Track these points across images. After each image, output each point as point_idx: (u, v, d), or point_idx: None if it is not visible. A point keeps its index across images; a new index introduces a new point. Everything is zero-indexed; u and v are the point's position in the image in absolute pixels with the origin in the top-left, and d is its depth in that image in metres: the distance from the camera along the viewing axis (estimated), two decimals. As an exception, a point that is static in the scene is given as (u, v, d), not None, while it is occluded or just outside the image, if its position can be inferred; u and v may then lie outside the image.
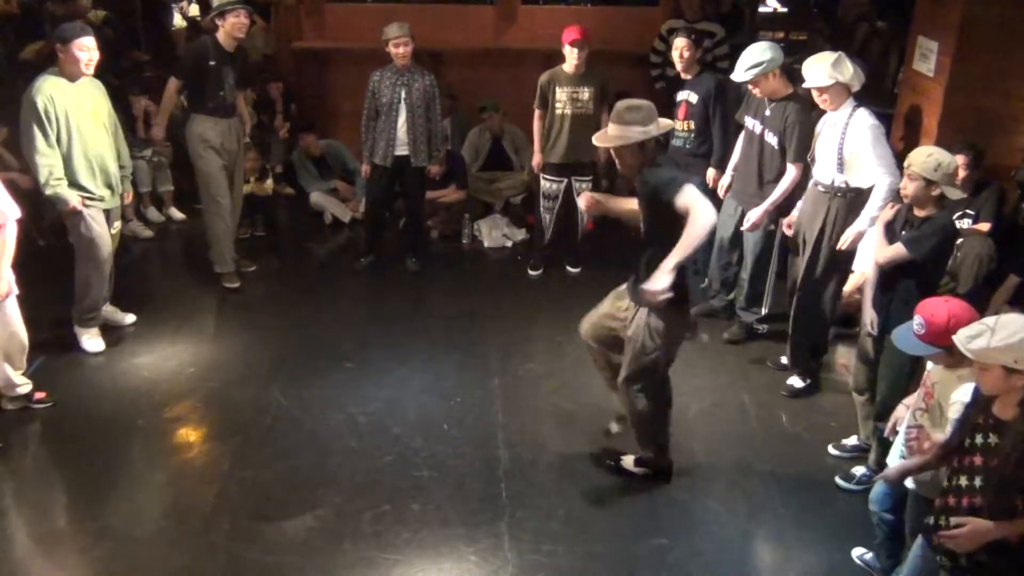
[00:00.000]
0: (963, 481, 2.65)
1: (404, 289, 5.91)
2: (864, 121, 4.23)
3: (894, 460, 3.27)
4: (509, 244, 6.59)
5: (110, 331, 5.09)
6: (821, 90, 4.26)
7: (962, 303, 3.00)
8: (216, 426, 4.38)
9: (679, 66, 5.42)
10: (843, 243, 4.31)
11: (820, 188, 4.44)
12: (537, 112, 5.76)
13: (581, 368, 4.92)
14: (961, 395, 2.83)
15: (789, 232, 4.76)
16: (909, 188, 3.63)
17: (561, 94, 5.63)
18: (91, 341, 4.91)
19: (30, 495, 3.92)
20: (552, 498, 3.90)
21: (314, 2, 7.45)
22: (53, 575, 3.52)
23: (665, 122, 3.63)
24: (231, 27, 5.26)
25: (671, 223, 3.37)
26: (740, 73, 4.63)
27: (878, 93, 6.06)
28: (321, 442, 4.26)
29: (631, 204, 3.85)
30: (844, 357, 5.05)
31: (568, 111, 5.64)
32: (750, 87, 4.75)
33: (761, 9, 7.82)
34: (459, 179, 6.68)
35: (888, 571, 3.42)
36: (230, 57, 5.36)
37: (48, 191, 4.50)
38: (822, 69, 4.21)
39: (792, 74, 4.76)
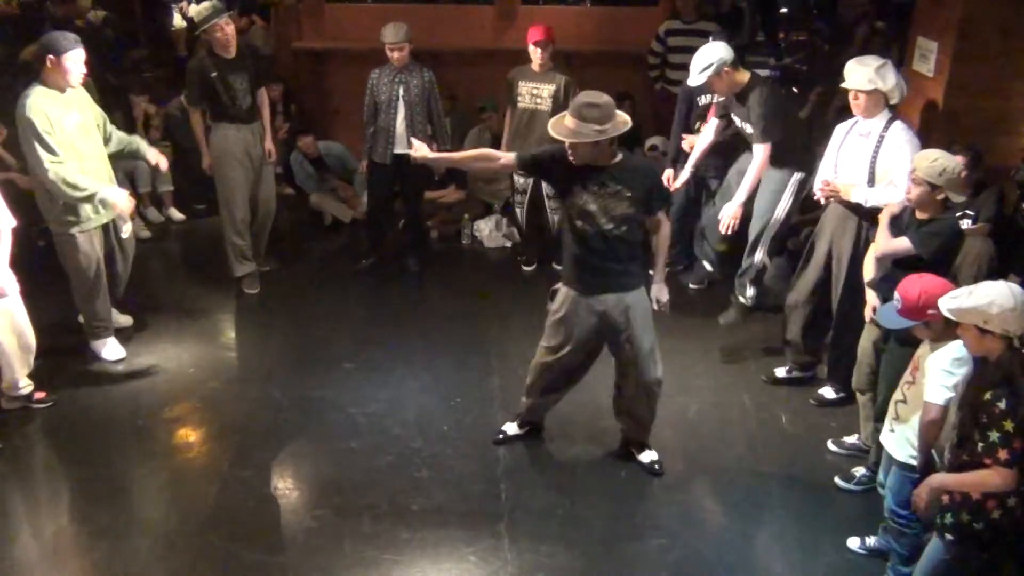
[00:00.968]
0: (953, 436, 2.88)
1: (404, 289, 5.91)
2: (902, 136, 4.09)
3: (885, 435, 3.37)
4: (509, 244, 6.58)
5: (129, 330, 5.12)
6: (858, 93, 4.15)
7: (936, 279, 3.13)
8: (216, 426, 4.38)
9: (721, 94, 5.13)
10: (819, 192, 4.28)
11: (849, 204, 4.28)
12: (507, 106, 5.82)
13: (581, 368, 4.93)
14: (935, 358, 3.06)
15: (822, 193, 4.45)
16: (914, 192, 3.62)
17: (522, 88, 5.70)
18: (108, 349, 4.86)
19: (30, 495, 3.92)
20: (552, 498, 3.90)
21: (314, 2, 7.44)
22: (53, 575, 3.52)
23: (623, 119, 3.59)
24: (218, 39, 5.22)
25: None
26: (694, 77, 4.67)
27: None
28: (321, 442, 4.26)
29: (458, 156, 4.08)
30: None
31: (528, 105, 5.70)
32: (711, 88, 4.80)
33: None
34: (459, 179, 6.68)
35: (899, 554, 3.42)
36: (231, 64, 5.32)
37: (94, 201, 4.38)
38: (864, 73, 4.10)
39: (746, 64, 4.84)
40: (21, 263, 4.22)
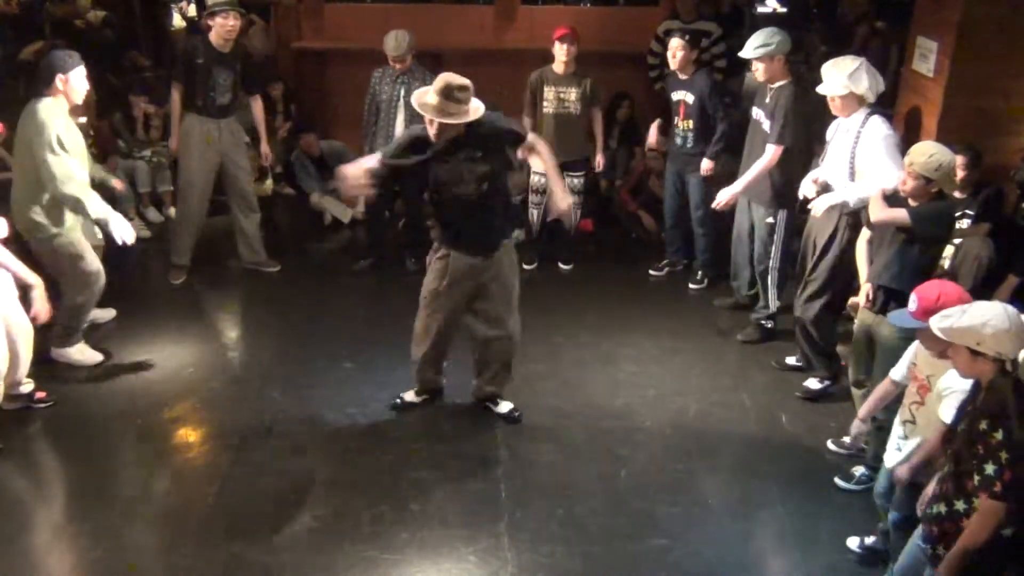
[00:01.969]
0: (946, 468, 2.77)
1: (404, 289, 5.85)
2: (878, 130, 4.18)
3: (890, 455, 3.30)
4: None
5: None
6: (833, 97, 4.25)
7: (957, 288, 3.08)
8: (216, 426, 4.37)
9: (673, 65, 5.47)
10: (817, 209, 4.31)
11: (838, 204, 4.34)
12: (526, 111, 5.82)
13: (581, 368, 4.94)
14: (953, 379, 2.91)
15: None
16: (908, 184, 3.67)
17: (549, 93, 5.70)
18: (87, 354, 4.79)
19: (30, 495, 3.92)
20: (552, 498, 3.90)
21: (314, 2, 7.45)
22: (53, 575, 3.52)
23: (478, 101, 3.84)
24: (219, 29, 5.29)
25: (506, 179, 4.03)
26: (748, 51, 4.73)
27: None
28: (321, 442, 4.26)
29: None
30: (844, 358, 5.05)
31: (554, 110, 5.70)
32: (753, 69, 4.82)
33: (760, 9, 7.81)
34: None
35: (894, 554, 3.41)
36: (222, 57, 5.36)
37: (108, 215, 4.34)
38: (838, 78, 4.19)
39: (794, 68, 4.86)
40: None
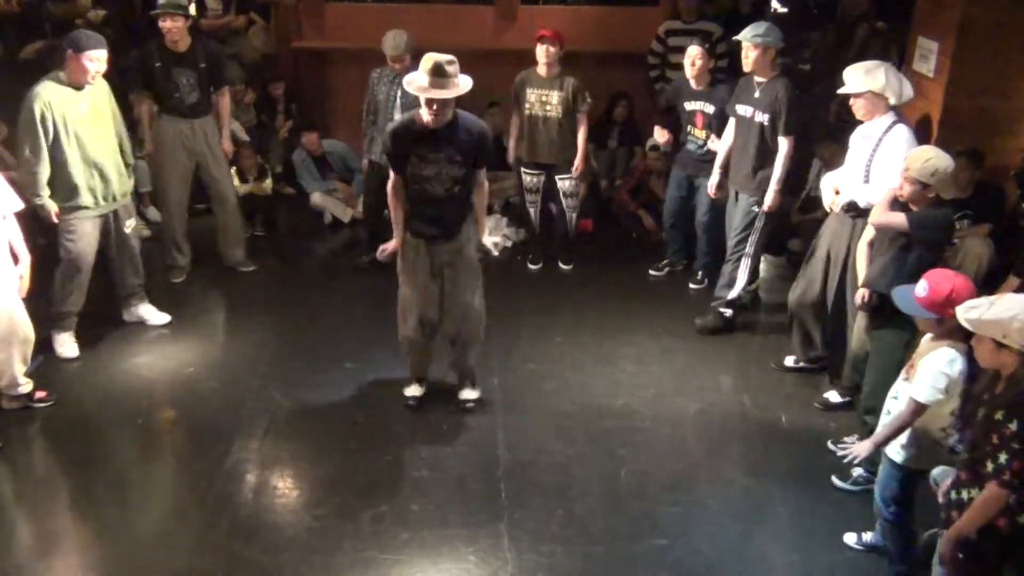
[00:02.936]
0: (963, 456, 2.82)
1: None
2: (900, 140, 4.11)
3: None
4: (509, 244, 6.58)
5: (129, 329, 5.15)
6: (854, 97, 4.21)
7: (969, 285, 3.08)
8: (216, 426, 4.37)
9: (690, 73, 5.39)
10: (831, 202, 4.35)
11: (845, 204, 4.35)
12: (514, 110, 5.82)
13: (581, 368, 4.93)
14: (932, 359, 3.03)
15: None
16: (906, 190, 3.67)
17: (531, 95, 5.68)
18: (65, 347, 4.85)
19: (30, 495, 3.92)
20: (552, 498, 3.90)
21: (314, 1, 7.45)
22: (53, 575, 3.52)
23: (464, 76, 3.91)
24: (165, 34, 5.31)
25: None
26: (745, 34, 4.78)
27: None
28: (321, 442, 4.26)
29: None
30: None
31: (537, 112, 5.69)
32: (743, 56, 4.86)
33: (780, 9, 7.81)
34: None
35: (894, 552, 3.43)
36: (180, 58, 5.36)
37: (33, 200, 4.48)
38: (854, 77, 4.17)
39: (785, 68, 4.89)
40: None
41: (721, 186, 5.34)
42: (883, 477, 3.35)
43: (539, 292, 5.92)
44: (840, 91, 4.29)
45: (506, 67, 5.93)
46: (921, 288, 3.09)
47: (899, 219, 3.72)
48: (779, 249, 6.13)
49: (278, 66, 7.57)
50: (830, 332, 4.63)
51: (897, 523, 3.32)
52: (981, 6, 4.62)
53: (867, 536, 3.61)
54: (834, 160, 5.07)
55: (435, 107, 3.81)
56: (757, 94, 4.86)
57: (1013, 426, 2.59)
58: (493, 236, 6.06)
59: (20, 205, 4.16)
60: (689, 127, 5.55)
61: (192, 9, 8.97)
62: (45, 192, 4.52)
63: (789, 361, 4.90)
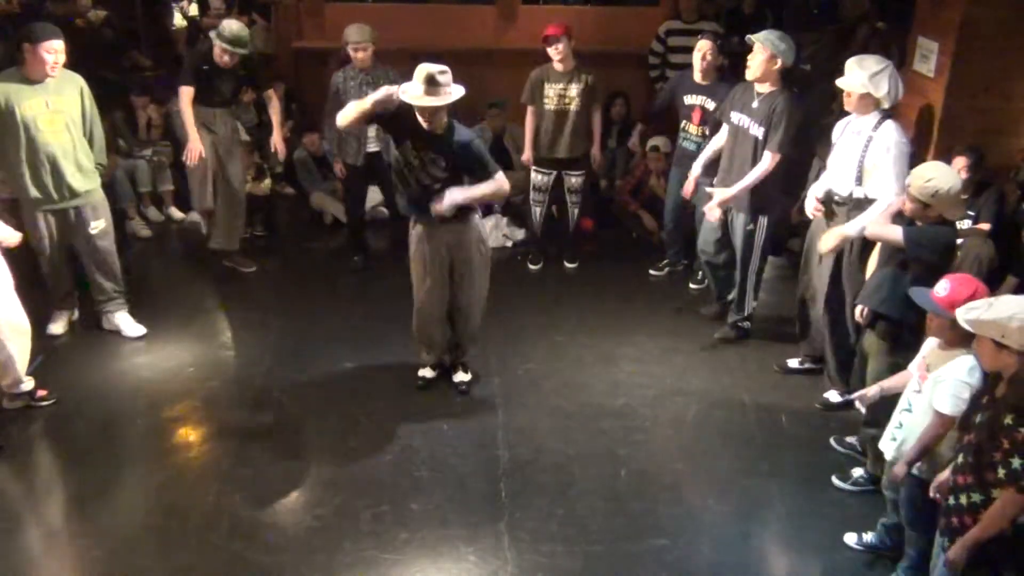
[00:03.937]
0: (960, 459, 2.78)
1: (404, 289, 5.88)
2: (890, 135, 4.12)
3: (886, 444, 3.32)
4: (509, 244, 6.58)
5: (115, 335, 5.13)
6: (849, 92, 4.19)
7: (988, 290, 3.04)
8: (216, 426, 4.38)
9: (698, 67, 5.34)
10: (825, 246, 4.23)
11: (836, 199, 4.34)
12: (529, 108, 5.80)
13: (581, 368, 4.94)
14: (952, 367, 2.99)
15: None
16: (908, 206, 3.60)
17: (549, 90, 5.68)
18: (54, 324, 5.03)
19: (30, 495, 3.92)
20: (552, 498, 3.90)
21: (314, 1, 7.45)
22: (53, 575, 3.52)
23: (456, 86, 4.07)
24: (219, 55, 5.35)
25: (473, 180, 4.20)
26: (760, 36, 4.61)
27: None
28: (321, 442, 4.26)
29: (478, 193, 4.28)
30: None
31: (555, 107, 5.68)
32: (750, 57, 4.69)
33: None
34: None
35: (894, 549, 3.42)
36: (222, 70, 5.43)
37: None
38: (860, 76, 4.12)
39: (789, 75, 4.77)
40: (20, 261, 4.23)
41: (699, 185, 5.24)
42: (906, 496, 3.25)
43: (539, 292, 5.92)
44: (838, 82, 4.25)
45: (506, 67, 5.94)
46: (942, 287, 3.04)
47: (895, 233, 3.63)
48: (779, 249, 6.13)
49: (278, 66, 7.56)
50: (830, 336, 4.59)
51: (925, 535, 3.22)
52: (982, 6, 4.61)
53: (867, 536, 3.61)
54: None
55: (427, 114, 4.05)
56: (755, 104, 4.70)
57: None
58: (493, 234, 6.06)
59: (17, 238, 4.19)
60: (684, 122, 5.51)
61: (193, 9, 9.02)
62: None
63: (793, 363, 4.89)
